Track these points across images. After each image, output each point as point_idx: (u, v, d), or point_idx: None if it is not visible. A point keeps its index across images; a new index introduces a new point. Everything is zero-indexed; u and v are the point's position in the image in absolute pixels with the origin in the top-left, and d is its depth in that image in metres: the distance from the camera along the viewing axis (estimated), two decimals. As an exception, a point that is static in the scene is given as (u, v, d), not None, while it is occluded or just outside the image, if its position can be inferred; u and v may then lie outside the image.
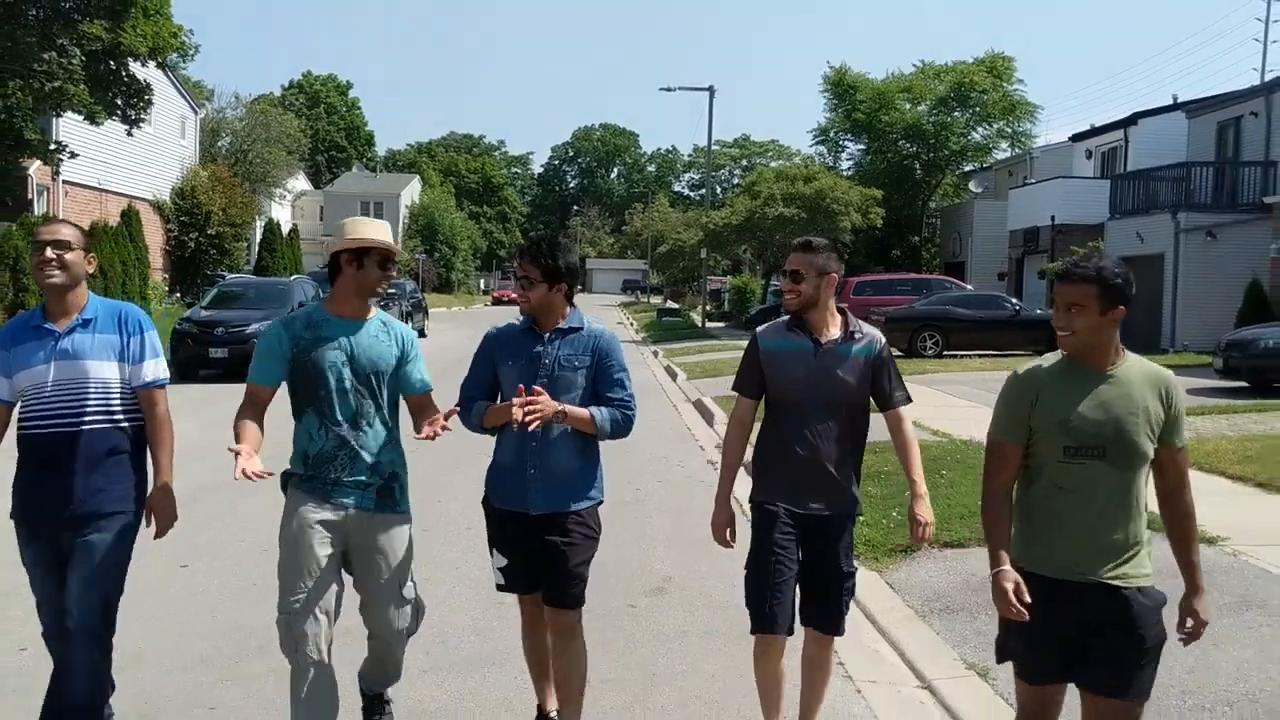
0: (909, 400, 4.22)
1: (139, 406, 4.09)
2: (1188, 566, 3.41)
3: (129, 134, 24.04)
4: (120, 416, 4.03)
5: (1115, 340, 3.33)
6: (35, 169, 25.46)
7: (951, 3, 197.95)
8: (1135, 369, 3.35)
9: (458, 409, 4.17)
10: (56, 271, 3.95)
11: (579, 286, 5.17)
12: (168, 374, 4.17)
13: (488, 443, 4.26)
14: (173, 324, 20.39)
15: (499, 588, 4.31)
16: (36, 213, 24.68)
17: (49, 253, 3.95)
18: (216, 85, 60.13)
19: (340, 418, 3.98)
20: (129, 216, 25.03)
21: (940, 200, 44.46)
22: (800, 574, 4.10)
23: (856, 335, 4.12)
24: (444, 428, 3.99)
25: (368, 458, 4.00)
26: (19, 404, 4.02)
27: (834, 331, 4.12)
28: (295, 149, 54.50)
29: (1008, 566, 3.27)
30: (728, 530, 4.23)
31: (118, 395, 4.02)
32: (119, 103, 22.69)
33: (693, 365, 22.69)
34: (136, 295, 23.87)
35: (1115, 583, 3.27)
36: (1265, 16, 68.29)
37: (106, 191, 29.66)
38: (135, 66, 23.15)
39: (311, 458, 3.99)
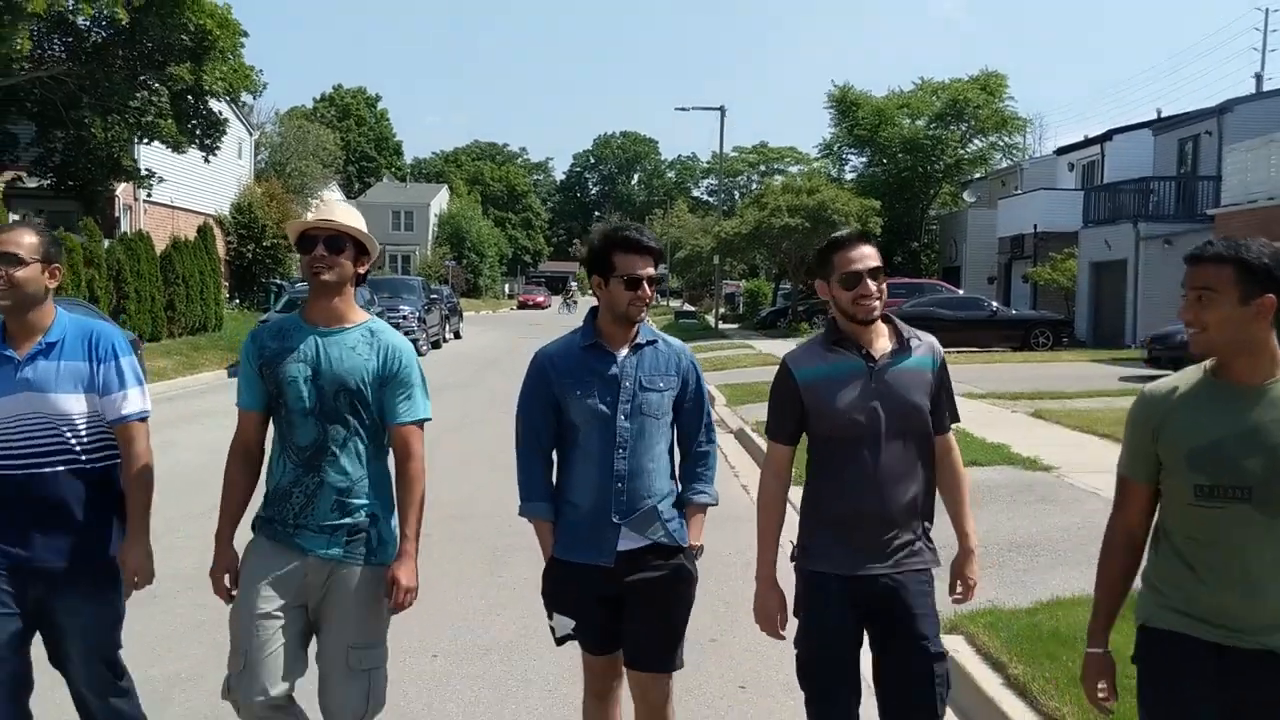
0: (958, 419, 3.54)
1: (112, 440, 3.53)
2: None
3: (205, 160, 27.31)
4: (95, 455, 3.48)
5: (1271, 345, 2.60)
6: (121, 190, 28.78)
7: (972, 15, 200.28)
8: None
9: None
10: (2, 290, 3.35)
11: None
12: (148, 405, 3.58)
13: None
14: (251, 326, 23.66)
15: (562, 640, 3.65)
16: (123, 229, 27.96)
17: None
18: (255, 101, 63.20)
19: (299, 444, 3.38)
20: (204, 232, 28.20)
21: (939, 209, 47.30)
22: (876, 661, 3.34)
23: (914, 344, 3.35)
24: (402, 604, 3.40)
25: (332, 495, 3.37)
26: None
27: (887, 342, 3.34)
28: (331, 162, 57.33)
29: (1104, 651, 2.77)
30: (779, 618, 3.39)
31: (90, 431, 3.46)
32: (198, 134, 25.93)
33: (702, 361, 25.62)
34: (212, 301, 27.08)
35: None
36: (1264, 26, 70.78)
37: (178, 209, 33.09)
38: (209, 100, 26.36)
39: (270, 495, 3.45)
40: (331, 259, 3.36)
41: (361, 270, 3.46)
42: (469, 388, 19.17)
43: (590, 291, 3.69)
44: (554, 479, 3.61)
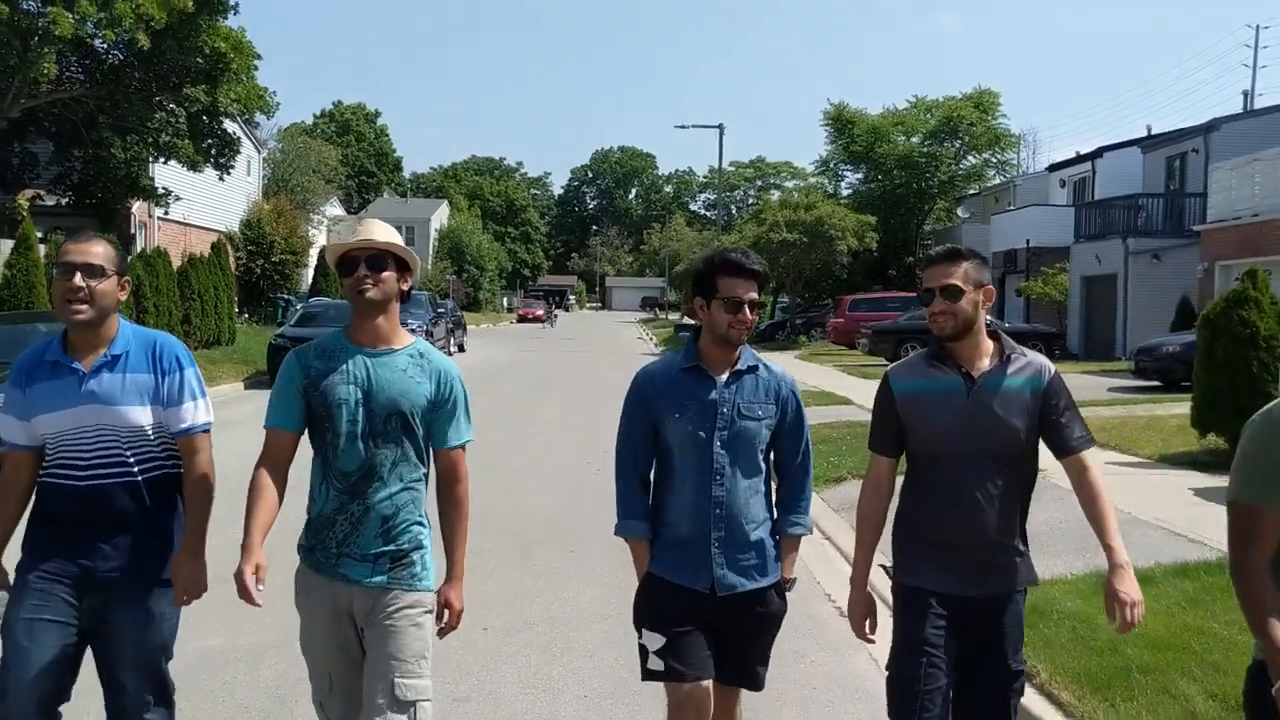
0: (1093, 441, 3.39)
1: (175, 451, 3.50)
2: None
3: (220, 179, 28.11)
4: (158, 466, 3.46)
5: None
6: (136, 207, 29.52)
7: (968, 30, 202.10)
8: None
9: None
10: (84, 307, 3.32)
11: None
12: (211, 417, 3.56)
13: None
14: (263, 340, 24.39)
15: (651, 675, 3.52)
16: (138, 246, 28.69)
17: (78, 280, 3.29)
18: (267, 121, 63.91)
19: (345, 469, 3.32)
20: (218, 249, 28.94)
21: (934, 224, 48.19)
22: (958, 676, 3.34)
23: (1015, 364, 3.32)
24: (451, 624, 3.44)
25: (377, 523, 3.33)
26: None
27: (987, 361, 3.33)
28: (334, 178, 57.92)
29: None
30: (868, 621, 3.46)
31: (155, 442, 3.45)
32: (214, 153, 26.72)
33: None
34: (225, 315, 27.77)
35: None
36: (1254, 42, 71.87)
37: (190, 225, 33.90)
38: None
39: (312, 522, 3.41)
40: (375, 277, 3.33)
41: (404, 287, 3.43)
42: (479, 395, 19.72)
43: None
44: (651, 498, 3.62)
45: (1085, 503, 3.31)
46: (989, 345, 3.35)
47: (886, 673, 3.37)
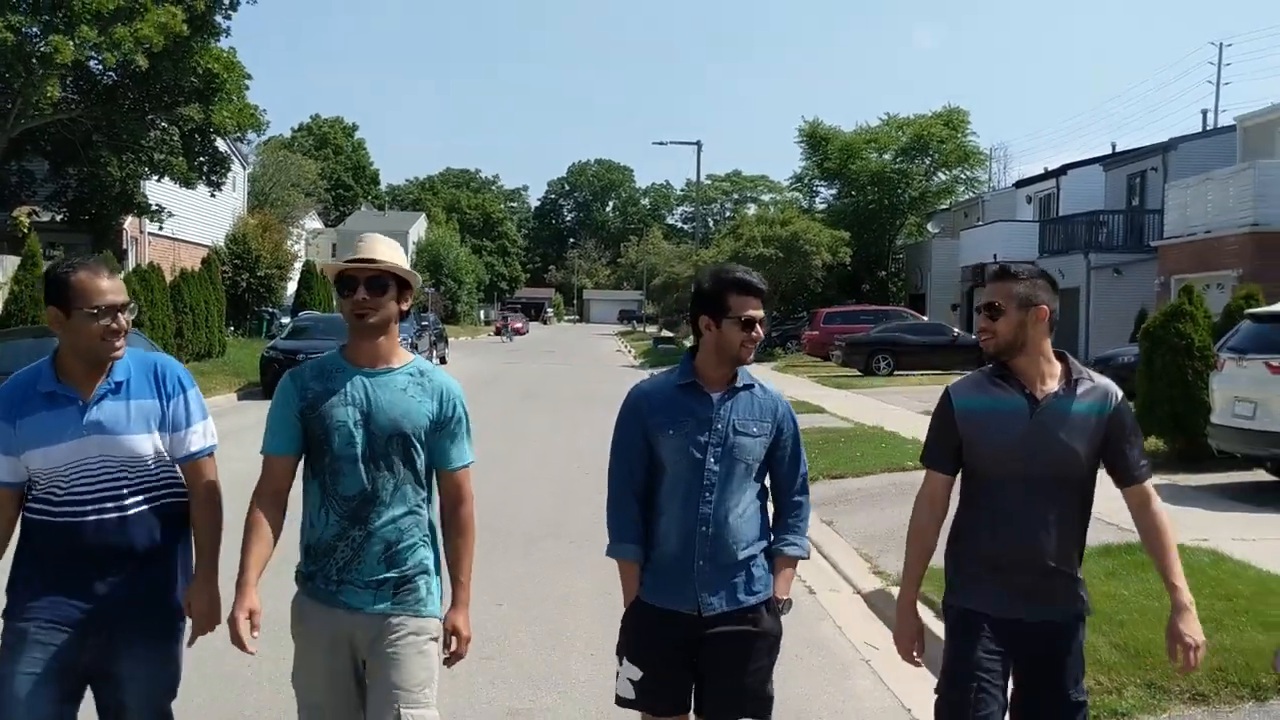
0: (1151, 471, 3.41)
1: (178, 480, 3.40)
2: None
3: (212, 195, 28.94)
4: (163, 495, 3.35)
5: None
6: (128, 223, 30.24)
7: (943, 47, 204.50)
8: None
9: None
10: (123, 343, 3.26)
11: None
12: (215, 439, 3.46)
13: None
14: (253, 351, 25.15)
15: (623, 702, 3.53)
16: (133, 262, 29.40)
17: (123, 320, 3.24)
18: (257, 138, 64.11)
19: (345, 494, 3.23)
20: (209, 263, 29.74)
21: (905, 239, 49.40)
22: (1016, 707, 3.31)
23: (1081, 388, 3.27)
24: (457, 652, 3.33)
25: (380, 549, 3.23)
26: (30, 486, 3.27)
27: (1053, 383, 3.28)
28: (313, 192, 58.47)
29: None
30: (916, 644, 3.39)
31: (157, 471, 3.33)
32: (206, 170, 27.55)
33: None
34: (216, 328, 28.51)
35: None
36: (1218, 60, 73.65)
37: (179, 241, 34.61)
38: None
39: (311, 548, 3.30)
40: (375, 301, 3.21)
41: (404, 307, 3.32)
42: (470, 406, 20.69)
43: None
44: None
45: (1149, 535, 3.34)
46: (1055, 367, 3.32)
47: (935, 695, 3.31)
